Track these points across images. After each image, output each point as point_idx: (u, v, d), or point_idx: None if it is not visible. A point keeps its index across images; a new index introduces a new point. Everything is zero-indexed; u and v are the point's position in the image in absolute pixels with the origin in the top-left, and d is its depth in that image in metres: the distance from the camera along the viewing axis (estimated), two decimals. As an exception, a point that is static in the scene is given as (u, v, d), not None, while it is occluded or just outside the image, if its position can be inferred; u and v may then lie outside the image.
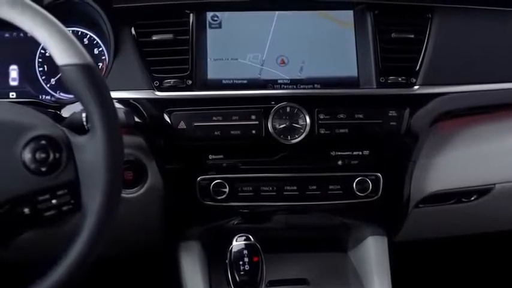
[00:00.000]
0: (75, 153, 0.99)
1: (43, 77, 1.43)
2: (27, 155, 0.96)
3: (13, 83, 1.43)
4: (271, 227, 1.43)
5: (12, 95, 1.42)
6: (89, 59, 0.97)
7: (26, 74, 1.43)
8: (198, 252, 1.41)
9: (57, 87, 1.43)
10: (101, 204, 0.95)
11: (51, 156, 0.97)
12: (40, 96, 1.43)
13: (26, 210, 0.98)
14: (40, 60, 1.43)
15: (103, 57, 1.43)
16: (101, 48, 1.44)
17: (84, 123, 1.12)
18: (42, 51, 1.43)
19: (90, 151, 0.97)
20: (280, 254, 1.37)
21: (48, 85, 1.43)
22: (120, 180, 0.99)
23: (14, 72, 1.43)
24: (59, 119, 1.24)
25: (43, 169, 0.96)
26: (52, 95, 1.43)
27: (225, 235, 1.31)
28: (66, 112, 1.31)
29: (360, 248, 1.47)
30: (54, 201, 0.98)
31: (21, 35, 1.43)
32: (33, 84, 1.43)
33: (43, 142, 0.97)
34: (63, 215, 1.01)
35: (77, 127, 1.09)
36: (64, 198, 0.99)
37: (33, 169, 0.96)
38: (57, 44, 0.95)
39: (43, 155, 0.96)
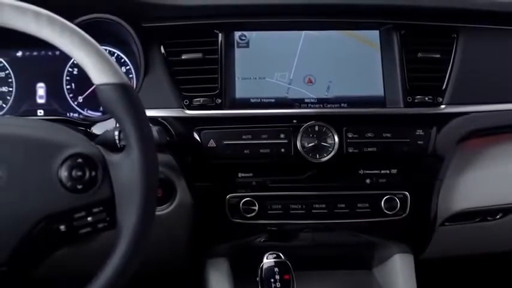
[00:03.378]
0: (110, 171, 0.99)
1: (70, 95, 1.44)
2: (63, 173, 0.97)
3: (40, 101, 1.44)
4: (298, 244, 1.43)
5: (40, 112, 1.43)
6: (125, 78, 0.98)
7: (53, 91, 1.44)
8: (226, 269, 1.42)
9: (84, 105, 1.45)
10: (137, 222, 0.96)
11: (87, 174, 0.98)
12: (67, 114, 1.44)
13: (62, 227, 0.98)
14: (68, 78, 1.44)
15: (130, 76, 1.45)
16: (128, 67, 1.45)
17: (117, 141, 1.13)
18: (69, 69, 1.44)
19: (126, 169, 0.98)
20: (307, 272, 1.37)
21: (75, 103, 1.44)
22: (155, 198, 1.00)
23: (41, 90, 1.44)
24: (90, 136, 1.25)
25: (79, 187, 0.97)
26: (80, 113, 1.44)
27: (253, 252, 1.32)
28: (96, 130, 1.32)
29: (386, 266, 1.47)
30: (89, 218, 0.99)
31: (49, 53, 1.45)
32: (60, 101, 1.45)
33: (79, 160, 0.98)
34: (98, 232, 1.01)
35: (109, 145, 1.10)
36: (99, 216, 1.00)
37: (70, 187, 0.97)
38: (94, 64, 0.96)
39: (79, 173, 0.97)
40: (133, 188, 0.96)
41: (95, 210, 0.99)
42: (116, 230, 0.98)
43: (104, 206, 0.99)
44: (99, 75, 0.97)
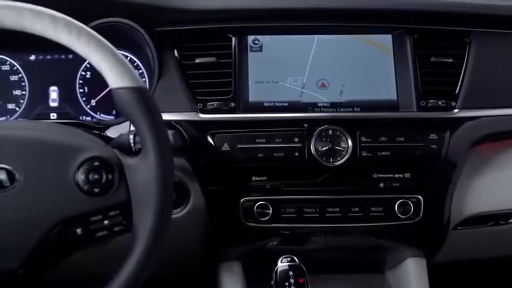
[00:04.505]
0: (126, 174, 1.00)
1: (83, 98, 1.45)
2: (80, 176, 0.97)
3: (53, 104, 1.45)
4: (311, 248, 1.44)
5: (53, 116, 1.44)
6: (141, 82, 0.98)
7: (66, 95, 1.45)
8: (239, 273, 1.42)
9: (97, 109, 1.45)
10: (153, 226, 0.96)
11: (104, 177, 0.98)
12: (80, 117, 1.44)
13: (79, 230, 0.99)
14: (81, 81, 1.45)
15: (143, 80, 1.45)
16: (141, 71, 1.45)
17: (132, 144, 1.14)
18: (82, 72, 1.45)
19: (142, 172, 0.98)
20: (320, 275, 1.37)
21: (88, 106, 1.45)
22: (171, 202, 1.00)
23: (54, 93, 1.45)
24: (105, 140, 1.25)
25: (96, 190, 0.97)
26: (92, 116, 1.44)
27: (266, 256, 1.32)
28: (110, 133, 1.33)
29: (398, 270, 1.47)
30: (106, 221, 0.99)
31: (62, 56, 1.45)
32: (73, 105, 1.45)
33: (96, 163, 0.98)
34: (114, 235, 1.01)
35: (124, 148, 1.10)
36: (116, 219, 1.00)
37: (87, 190, 0.97)
38: (111, 68, 0.97)
39: (96, 176, 0.97)
40: (150, 191, 0.96)
41: (112, 213, 0.99)
42: (132, 234, 0.98)
43: (121, 209, 0.99)
44: (115, 79, 0.97)
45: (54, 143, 1.00)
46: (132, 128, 1.24)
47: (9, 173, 0.96)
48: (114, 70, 0.97)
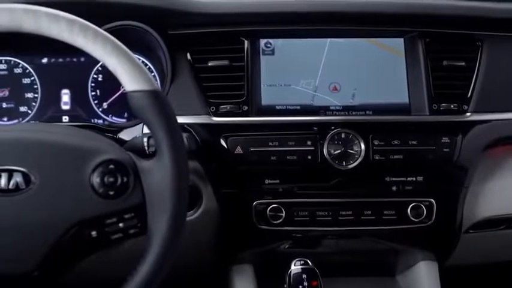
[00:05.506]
0: (141, 177, 1.00)
1: (95, 101, 1.45)
2: (95, 179, 0.97)
3: (65, 107, 1.45)
4: (322, 251, 1.44)
5: (65, 118, 1.44)
6: (156, 85, 0.98)
7: (78, 98, 1.45)
8: (251, 276, 1.42)
9: (109, 111, 1.45)
10: (168, 229, 0.96)
11: (119, 180, 0.98)
12: (92, 120, 1.45)
13: (94, 233, 0.99)
14: (93, 84, 1.45)
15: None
16: (152, 74, 1.46)
17: (146, 147, 1.14)
18: (94, 76, 1.45)
19: (157, 175, 0.98)
20: (331, 278, 1.37)
21: (100, 109, 1.45)
22: (186, 205, 1.00)
23: (65, 96, 1.45)
24: (118, 143, 1.25)
25: (111, 193, 0.98)
26: (104, 119, 1.45)
27: (277, 259, 1.32)
28: (122, 136, 1.33)
29: (410, 273, 1.47)
30: (121, 224, 0.99)
31: (74, 60, 1.46)
32: (85, 108, 1.45)
33: (111, 166, 0.98)
34: (129, 238, 1.01)
35: (138, 151, 1.11)
36: (131, 222, 1.00)
37: (102, 193, 0.97)
38: (127, 71, 0.97)
39: (111, 179, 0.98)
40: (165, 194, 0.96)
41: (127, 216, 0.99)
42: (147, 236, 0.98)
43: (136, 212, 0.99)
44: (131, 82, 0.97)
45: (69, 145, 1.01)
46: (145, 130, 1.26)
47: (24, 176, 0.96)
48: (130, 73, 0.97)
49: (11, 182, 0.95)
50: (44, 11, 0.95)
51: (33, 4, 0.95)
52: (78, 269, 1.05)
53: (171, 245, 0.97)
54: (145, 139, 1.15)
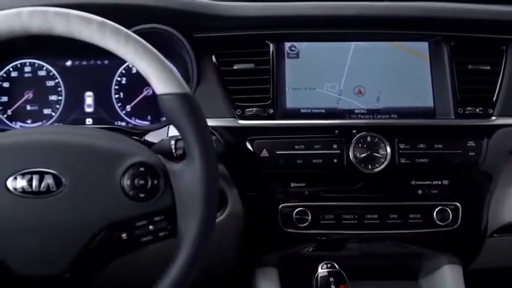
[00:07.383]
0: (172, 180, 1.00)
1: (119, 104, 1.45)
2: (126, 182, 0.98)
3: (88, 110, 1.46)
4: (347, 254, 1.43)
5: (89, 121, 1.45)
6: (187, 88, 0.98)
7: (102, 100, 1.46)
8: (275, 279, 1.42)
9: (132, 114, 1.46)
10: (198, 232, 0.96)
11: (150, 182, 0.98)
12: (115, 123, 1.45)
13: (124, 235, 0.99)
14: (116, 87, 1.45)
15: (181, 86, 1.45)
16: (177, 77, 1.45)
17: (173, 150, 1.14)
18: (118, 78, 1.45)
19: (188, 178, 0.98)
20: (357, 281, 1.37)
21: (123, 112, 1.45)
22: (216, 207, 1.00)
23: (89, 98, 1.46)
24: (145, 145, 1.26)
25: (141, 195, 0.98)
26: (127, 122, 1.45)
27: (301, 262, 1.32)
28: (149, 138, 1.33)
29: (434, 277, 1.46)
30: (151, 227, 1.00)
31: (98, 62, 1.46)
32: (108, 110, 1.46)
33: (142, 169, 0.98)
34: (159, 240, 1.02)
35: (165, 154, 1.11)
36: (161, 224, 1.00)
37: (132, 195, 0.98)
38: (158, 74, 0.97)
39: (142, 182, 0.98)
40: (195, 197, 0.96)
41: (157, 218, 1.00)
42: (176, 239, 0.98)
43: (166, 214, 0.99)
44: (162, 85, 0.97)
45: (100, 148, 1.01)
46: (171, 133, 1.26)
47: (55, 178, 0.96)
48: (161, 76, 0.97)
49: (42, 184, 0.95)
50: (75, 14, 0.95)
51: (58, 7, 0.95)
52: (108, 271, 1.05)
53: (201, 248, 0.97)
54: (172, 141, 1.16)
